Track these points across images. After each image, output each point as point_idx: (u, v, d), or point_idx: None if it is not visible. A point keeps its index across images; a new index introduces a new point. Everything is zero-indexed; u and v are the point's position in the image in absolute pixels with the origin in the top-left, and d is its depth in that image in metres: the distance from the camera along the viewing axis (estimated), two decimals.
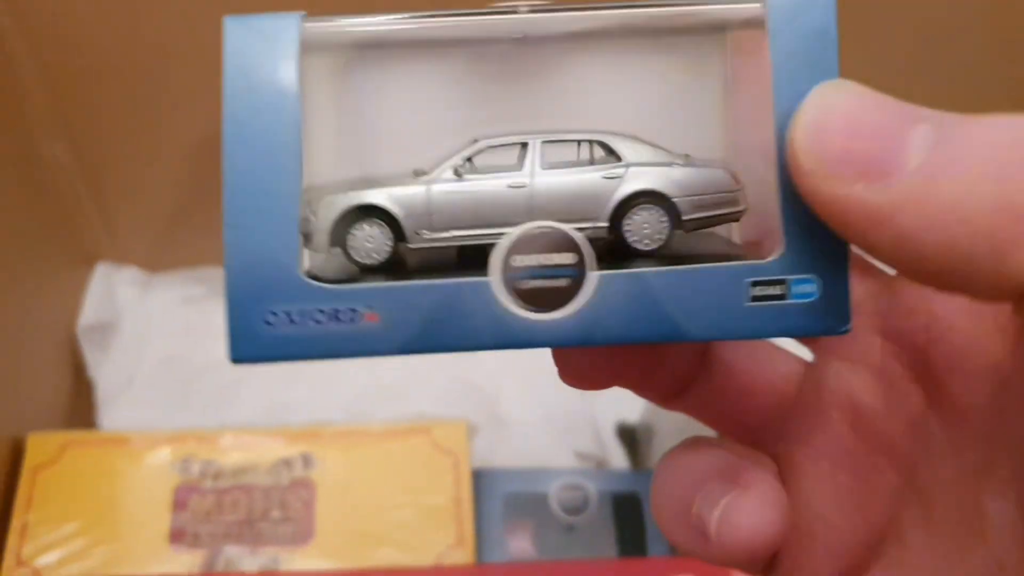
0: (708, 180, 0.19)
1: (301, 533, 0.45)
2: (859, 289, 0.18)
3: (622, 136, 0.19)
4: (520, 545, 0.45)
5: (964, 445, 0.17)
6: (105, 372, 0.51)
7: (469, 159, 0.19)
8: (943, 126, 0.13)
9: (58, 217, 0.50)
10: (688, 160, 0.19)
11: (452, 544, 0.44)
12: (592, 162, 0.19)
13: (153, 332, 0.52)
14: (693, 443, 0.20)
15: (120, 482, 0.46)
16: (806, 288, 0.17)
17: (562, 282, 0.17)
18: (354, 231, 0.19)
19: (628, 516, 0.45)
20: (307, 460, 0.46)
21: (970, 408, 0.16)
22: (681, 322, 0.17)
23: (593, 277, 0.17)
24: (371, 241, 0.19)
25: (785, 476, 0.19)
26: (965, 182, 0.13)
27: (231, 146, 0.17)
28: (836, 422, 0.18)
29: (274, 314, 0.17)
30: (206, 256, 0.54)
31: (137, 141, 0.49)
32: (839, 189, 0.14)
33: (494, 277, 0.17)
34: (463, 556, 0.43)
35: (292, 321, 0.17)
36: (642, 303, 0.17)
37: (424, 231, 0.19)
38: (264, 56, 0.17)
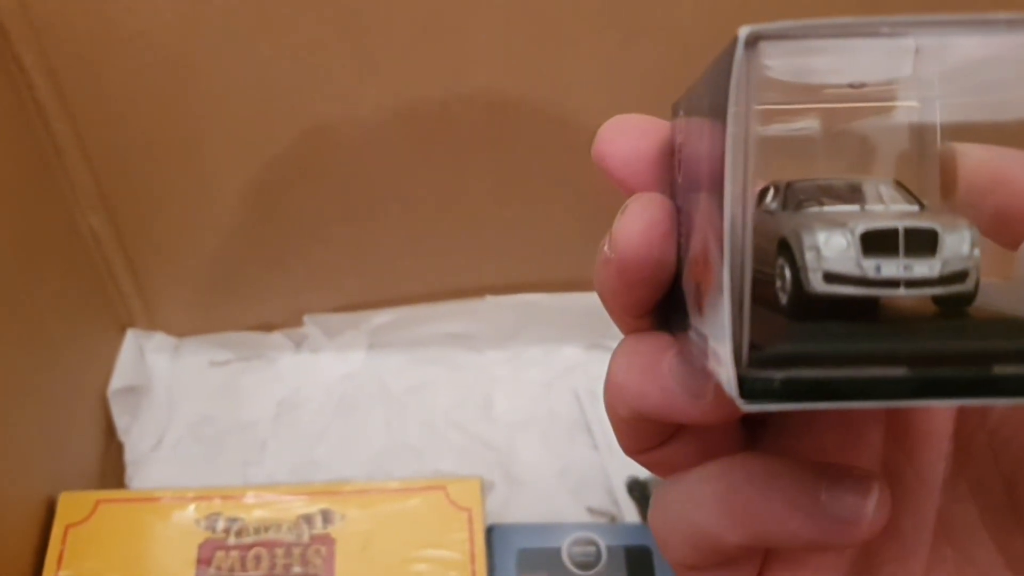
0: None
1: None
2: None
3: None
4: None
5: None
6: (135, 434, 0.53)
7: None
8: None
9: (94, 285, 0.52)
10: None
11: None
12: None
13: (181, 395, 0.54)
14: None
15: (148, 538, 0.47)
16: None
17: None
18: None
19: (639, 569, 0.46)
20: (327, 516, 0.48)
21: None
22: None
23: None
24: None
25: None
26: None
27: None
28: None
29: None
30: (231, 323, 0.56)
31: (168, 214, 0.52)
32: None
33: None
34: None
35: None
36: None
37: None
38: None
